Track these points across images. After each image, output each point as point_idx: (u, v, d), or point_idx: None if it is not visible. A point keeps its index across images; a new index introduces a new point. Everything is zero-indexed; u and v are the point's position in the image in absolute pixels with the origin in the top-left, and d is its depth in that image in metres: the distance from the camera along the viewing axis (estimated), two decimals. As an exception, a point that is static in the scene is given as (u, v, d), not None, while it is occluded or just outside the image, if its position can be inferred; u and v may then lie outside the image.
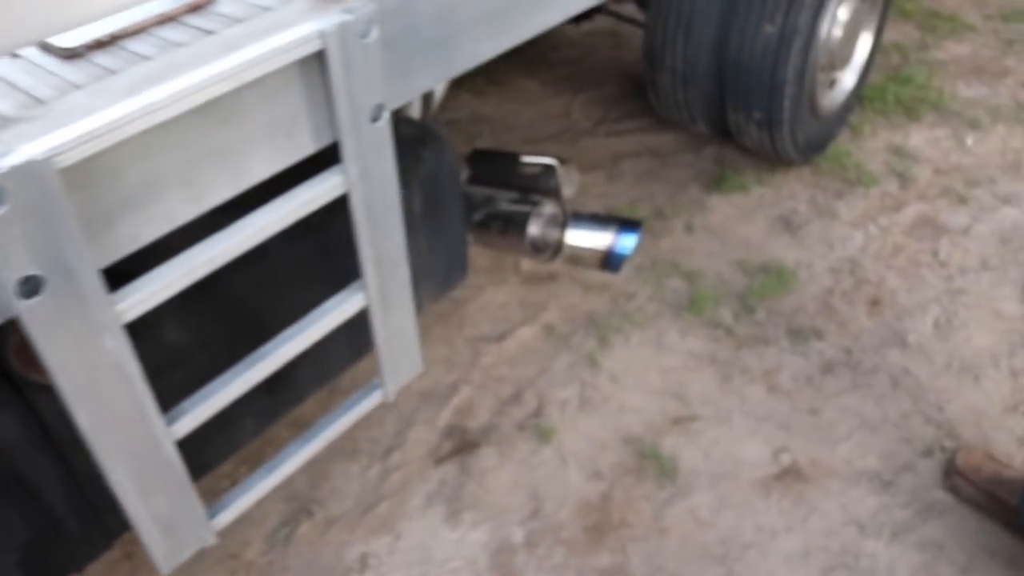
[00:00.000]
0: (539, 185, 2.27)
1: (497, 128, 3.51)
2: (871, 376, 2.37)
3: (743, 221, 2.93)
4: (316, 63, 1.13)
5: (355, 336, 1.57)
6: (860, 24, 2.95)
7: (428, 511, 2.14)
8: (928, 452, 2.16)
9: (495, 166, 2.37)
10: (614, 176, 3.18)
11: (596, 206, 3.03)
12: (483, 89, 3.75)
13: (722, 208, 2.99)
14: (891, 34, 3.79)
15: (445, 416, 2.37)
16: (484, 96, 3.71)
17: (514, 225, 2.23)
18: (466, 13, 1.31)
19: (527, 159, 2.23)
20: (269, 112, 1.12)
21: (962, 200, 2.94)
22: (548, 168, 2.21)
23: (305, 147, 1.19)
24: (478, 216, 2.32)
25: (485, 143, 3.42)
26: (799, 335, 2.50)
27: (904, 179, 3.04)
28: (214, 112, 1.06)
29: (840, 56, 2.90)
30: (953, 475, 2.06)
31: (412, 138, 1.69)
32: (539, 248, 2.27)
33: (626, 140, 3.37)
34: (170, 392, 1.27)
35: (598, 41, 4.04)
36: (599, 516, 2.10)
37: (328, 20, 1.11)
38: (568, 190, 2.28)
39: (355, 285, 1.36)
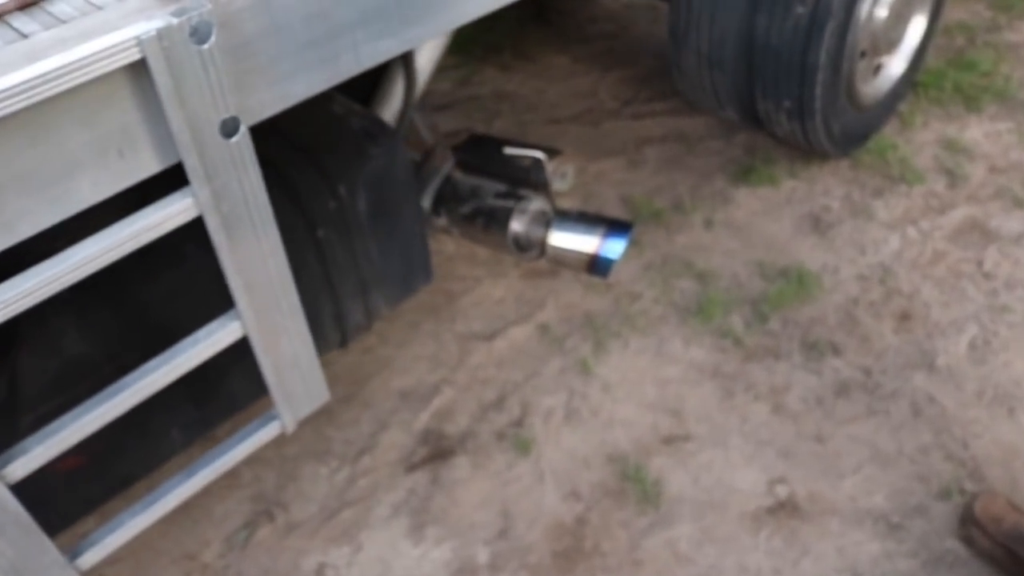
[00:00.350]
0: (530, 178, 2.10)
1: (519, 107, 3.32)
2: (890, 402, 2.14)
3: (769, 218, 2.70)
4: (147, 73, 0.98)
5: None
6: (911, 4, 2.65)
7: (392, 522, 2.03)
8: (945, 494, 1.94)
9: (487, 155, 2.20)
10: (635, 163, 2.97)
11: (612, 195, 2.84)
12: (509, 64, 3.56)
13: (748, 202, 2.76)
14: (958, 12, 3.44)
15: (423, 419, 2.24)
16: (510, 71, 3.52)
17: (497, 221, 2.06)
18: (347, 9, 1.13)
19: (512, 151, 2.05)
20: (91, 130, 0.98)
21: (1018, 203, 2.64)
22: (537, 162, 2.03)
23: (147, 167, 1.04)
24: (465, 209, 2.16)
25: (504, 123, 3.24)
26: (814, 350, 2.28)
27: (954, 177, 2.75)
28: (17, 131, 0.92)
29: (885, 40, 2.61)
30: (969, 524, 1.83)
31: (361, 132, 1.54)
32: (523, 247, 2.10)
33: (653, 123, 3.14)
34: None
35: (637, 15, 3.79)
36: (571, 541, 1.95)
37: (149, 25, 0.95)
38: (560, 185, 2.11)
39: (230, 314, 1.22)
